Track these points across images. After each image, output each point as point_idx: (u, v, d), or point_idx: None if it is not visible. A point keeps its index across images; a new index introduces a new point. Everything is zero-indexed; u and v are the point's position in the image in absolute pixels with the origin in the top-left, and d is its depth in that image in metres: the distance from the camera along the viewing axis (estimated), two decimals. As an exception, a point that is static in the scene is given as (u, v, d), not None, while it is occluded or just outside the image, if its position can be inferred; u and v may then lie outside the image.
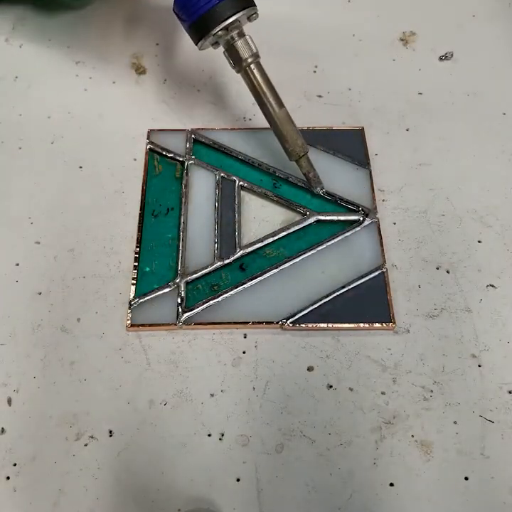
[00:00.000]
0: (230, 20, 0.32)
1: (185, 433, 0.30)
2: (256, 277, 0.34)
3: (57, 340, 0.32)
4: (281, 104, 0.34)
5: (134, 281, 0.34)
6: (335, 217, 0.36)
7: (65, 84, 0.43)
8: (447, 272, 0.35)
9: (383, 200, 0.37)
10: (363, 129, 0.40)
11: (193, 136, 0.39)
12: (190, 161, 0.38)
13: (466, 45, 0.45)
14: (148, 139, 0.39)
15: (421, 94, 0.43)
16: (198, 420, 0.30)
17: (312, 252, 0.35)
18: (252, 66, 0.34)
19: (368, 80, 0.43)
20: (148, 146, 0.39)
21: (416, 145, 0.40)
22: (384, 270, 0.34)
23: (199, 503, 0.28)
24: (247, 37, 0.34)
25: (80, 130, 0.41)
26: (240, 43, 0.33)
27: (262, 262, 0.35)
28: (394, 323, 0.32)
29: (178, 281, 0.34)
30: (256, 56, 0.34)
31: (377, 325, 0.32)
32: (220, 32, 0.32)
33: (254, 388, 0.31)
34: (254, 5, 0.33)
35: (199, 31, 0.33)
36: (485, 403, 0.30)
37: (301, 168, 0.36)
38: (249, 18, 0.34)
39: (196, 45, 0.34)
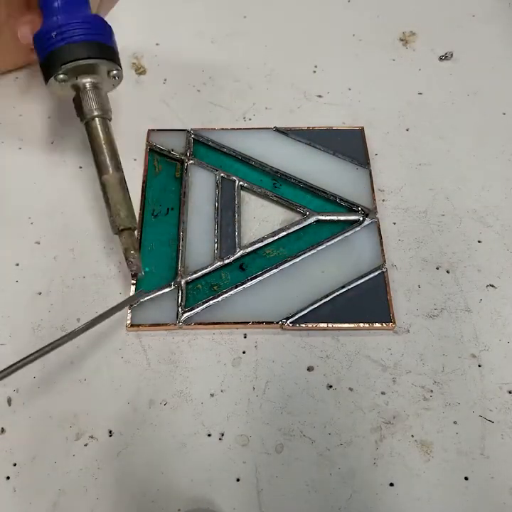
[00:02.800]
0: (81, 62, 0.31)
1: (185, 433, 0.30)
2: (256, 277, 0.34)
3: (57, 340, 0.32)
4: (117, 168, 0.32)
5: (134, 281, 0.34)
6: (335, 217, 0.36)
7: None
8: (447, 272, 0.35)
9: (383, 200, 0.37)
10: (363, 129, 0.40)
11: (192, 136, 0.39)
12: (190, 161, 0.38)
13: (466, 45, 0.45)
14: (148, 139, 0.39)
15: (421, 94, 0.43)
16: (198, 420, 0.30)
17: (312, 252, 0.35)
18: (97, 121, 0.32)
19: (368, 80, 0.43)
20: (148, 146, 0.39)
21: (416, 145, 0.40)
22: (384, 270, 0.34)
23: (199, 503, 0.28)
24: (102, 91, 0.33)
25: (79, 130, 0.40)
26: (89, 94, 0.32)
27: (262, 262, 0.35)
28: (394, 323, 0.32)
29: (178, 281, 0.34)
30: (106, 111, 0.33)
31: (377, 325, 0.32)
32: (67, 75, 0.31)
33: (254, 388, 0.31)
34: (116, 63, 0.33)
35: (47, 68, 0.32)
36: (485, 403, 0.30)
37: (121, 243, 0.31)
38: (108, 74, 0.33)
39: (45, 84, 0.32)
